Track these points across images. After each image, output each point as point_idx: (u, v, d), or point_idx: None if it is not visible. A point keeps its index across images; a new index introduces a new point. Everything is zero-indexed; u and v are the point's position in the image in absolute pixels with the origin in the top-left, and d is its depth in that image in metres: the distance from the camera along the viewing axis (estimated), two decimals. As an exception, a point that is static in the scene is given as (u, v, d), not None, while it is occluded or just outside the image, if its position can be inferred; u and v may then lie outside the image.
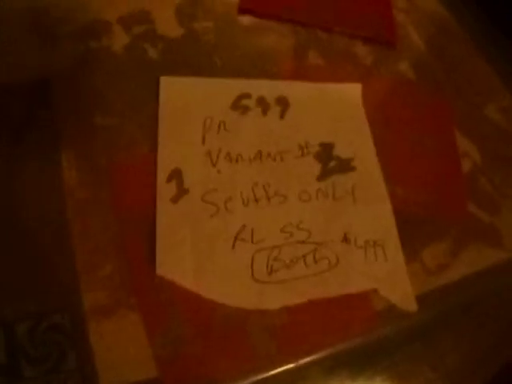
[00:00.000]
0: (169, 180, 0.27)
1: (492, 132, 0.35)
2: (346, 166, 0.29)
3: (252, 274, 0.25)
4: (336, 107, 0.31)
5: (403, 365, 0.26)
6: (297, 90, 0.32)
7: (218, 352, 0.23)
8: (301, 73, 0.33)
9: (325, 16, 0.36)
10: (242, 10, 0.36)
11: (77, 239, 0.24)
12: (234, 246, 0.25)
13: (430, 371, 0.26)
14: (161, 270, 0.24)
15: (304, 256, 0.26)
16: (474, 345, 0.27)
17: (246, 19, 0.36)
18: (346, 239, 0.27)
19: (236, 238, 0.26)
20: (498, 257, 0.30)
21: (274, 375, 0.24)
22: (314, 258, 0.26)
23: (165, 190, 0.26)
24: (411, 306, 0.26)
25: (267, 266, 0.25)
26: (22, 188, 0.26)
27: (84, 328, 0.23)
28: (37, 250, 0.24)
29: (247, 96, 0.31)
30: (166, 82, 0.30)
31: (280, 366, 0.24)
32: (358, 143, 0.30)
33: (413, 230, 0.29)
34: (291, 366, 0.24)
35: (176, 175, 0.27)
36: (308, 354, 0.24)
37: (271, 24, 0.36)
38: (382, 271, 0.26)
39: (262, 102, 0.31)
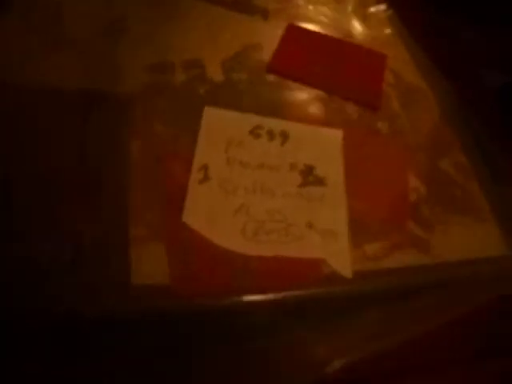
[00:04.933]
0: (199, 170, 0.50)
1: (441, 178, 0.56)
2: (320, 182, 0.52)
3: (243, 233, 0.46)
4: (321, 143, 0.55)
5: (335, 319, 0.46)
6: (296, 128, 0.55)
7: (210, 275, 0.44)
8: (301, 118, 0.57)
9: (328, 82, 0.61)
10: (269, 70, 0.61)
11: (133, 190, 0.47)
12: (234, 215, 0.47)
13: (351, 329, 0.46)
14: (186, 218, 0.46)
15: (279, 229, 0.47)
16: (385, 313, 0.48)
17: (271, 77, 0.61)
18: (309, 225, 0.48)
19: (236, 211, 0.48)
20: (425, 261, 0.50)
21: (244, 300, 0.45)
22: (286, 232, 0.47)
23: (195, 176, 0.49)
24: (347, 274, 0.46)
25: (253, 230, 0.47)
26: (96, 159, 0.50)
27: (127, 247, 0.45)
28: (105, 190, 0.47)
29: (260, 127, 0.54)
30: (208, 110, 0.55)
31: (249, 295, 0.45)
32: (332, 170, 0.53)
33: (361, 231, 0.49)
34: (257, 297, 0.45)
35: (204, 168, 0.50)
36: (269, 291, 0.45)
37: (288, 83, 0.61)
38: (331, 248, 0.47)
39: (270, 133, 0.54)
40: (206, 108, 0.55)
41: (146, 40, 0.62)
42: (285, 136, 0.54)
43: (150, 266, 0.44)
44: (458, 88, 0.67)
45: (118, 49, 0.60)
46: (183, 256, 0.45)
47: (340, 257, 0.47)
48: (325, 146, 0.55)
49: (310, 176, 0.52)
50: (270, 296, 0.45)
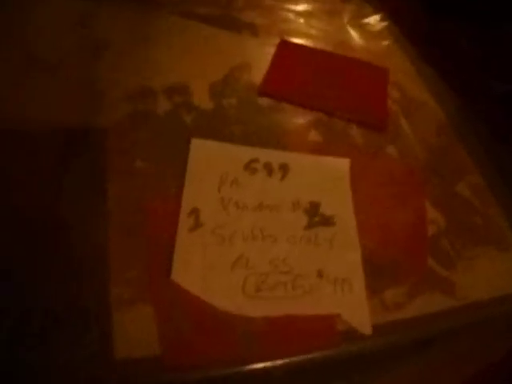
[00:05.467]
0: (189, 215, 0.43)
1: (460, 205, 0.50)
2: (328, 221, 0.45)
3: (243, 290, 0.40)
4: (326, 176, 0.48)
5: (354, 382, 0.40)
6: (297, 160, 0.49)
7: (208, 343, 0.37)
8: (302, 147, 0.50)
9: (328, 103, 0.55)
10: (261, 93, 0.55)
11: (113, 243, 0.41)
12: (232, 268, 0.41)
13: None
14: (175, 276, 0.39)
15: (285, 283, 0.40)
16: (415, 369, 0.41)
17: (264, 100, 0.55)
18: (320, 274, 0.41)
19: (234, 263, 0.41)
20: (450, 304, 0.43)
21: (248, 370, 0.38)
22: (293, 285, 0.41)
23: (185, 222, 0.43)
24: (366, 330, 0.39)
25: (255, 286, 0.40)
26: (71, 209, 0.43)
27: (108, 311, 0.38)
28: (81, 244, 0.41)
29: (256, 161, 0.48)
30: (195, 142, 0.48)
31: (254, 364, 0.38)
32: (341, 205, 0.46)
33: (377, 275, 0.43)
34: (264, 365, 0.38)
35: (195, 212, 0.43)
36: (278, 358, 0.38)
37: (284, 106, 0.54)
38: (346, 301, 0.40)
39: (268, 167, 0.48)
40: (193, 140, 0.48)
41: (124, 64, 0.55)
42: (285, 169, 0.48)
43: (136, 333, 0.37)
44: (465, 99, 0.61)
45: (95, 74, 0.53)
46: (174, 321, 0.38)
47: (357, 310, 0.40)
48: (330, 179, 0.48)
49: (316, 215, 0.45)
50: (278, 363, 0.38)
